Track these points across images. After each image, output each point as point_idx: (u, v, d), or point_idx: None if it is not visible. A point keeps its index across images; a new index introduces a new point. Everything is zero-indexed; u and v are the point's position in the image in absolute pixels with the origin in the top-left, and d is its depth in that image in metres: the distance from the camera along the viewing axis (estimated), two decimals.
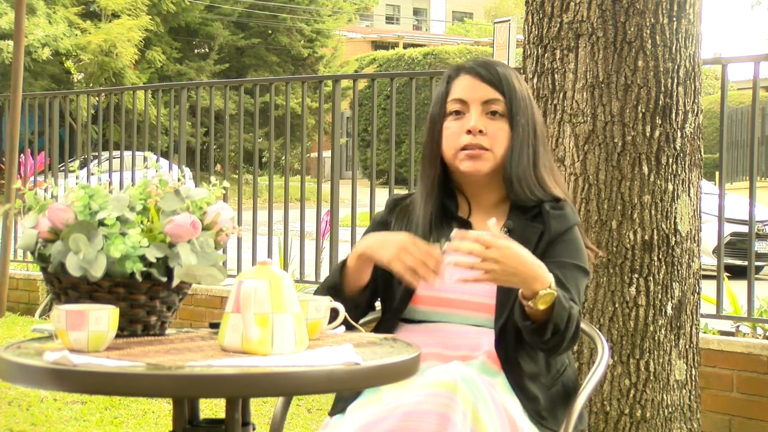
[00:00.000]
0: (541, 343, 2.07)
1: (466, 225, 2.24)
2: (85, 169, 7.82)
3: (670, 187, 3.09)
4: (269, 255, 5.82)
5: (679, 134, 3.10)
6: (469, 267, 1.98)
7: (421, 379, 1.91)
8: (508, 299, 2.14)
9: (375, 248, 2.11)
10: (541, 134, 2.25)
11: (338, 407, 2.15)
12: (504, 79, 2.21)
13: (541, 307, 2.00)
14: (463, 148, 2.19)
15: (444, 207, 2.27)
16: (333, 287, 2.18)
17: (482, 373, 2.07)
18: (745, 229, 7.98)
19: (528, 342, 2.11)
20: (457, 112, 2.22)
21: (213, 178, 2.01)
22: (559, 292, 2.02)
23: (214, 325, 1.93)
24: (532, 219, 2.20)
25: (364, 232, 2.35)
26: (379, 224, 2.32)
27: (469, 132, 2.19)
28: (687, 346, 3.16)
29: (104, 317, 1.70)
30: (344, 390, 2.04)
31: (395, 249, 2.06)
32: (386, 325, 2.21)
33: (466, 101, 2.21)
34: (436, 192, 2.26)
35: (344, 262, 2.20)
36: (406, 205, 2.32)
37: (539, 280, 2.00)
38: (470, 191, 2.27)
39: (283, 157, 6.11)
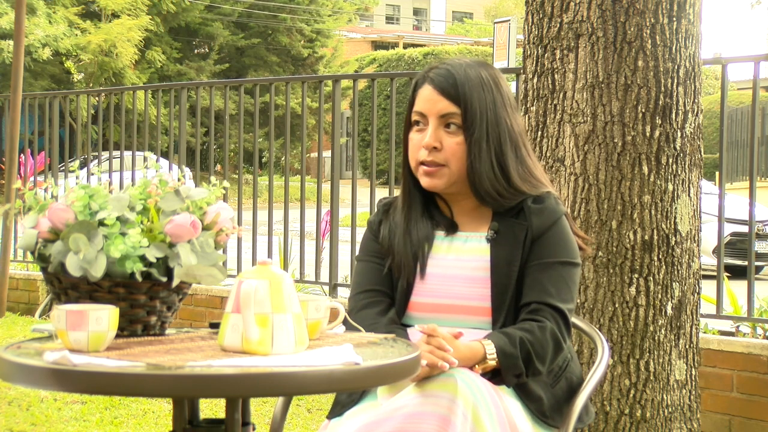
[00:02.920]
0: (519, 379, 2.10)
1: (452, 226, 2.25)
2: (85, 169, 7.82)
3: (670, 187, 3.09)
4: (269, 255, 5.82)
5: (679, 134, 3.10)
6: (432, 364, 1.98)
7: (422, 381, 1.91)
8: (503, 302, 2.14)
9: None
10: (511, 138, 2.20)
11: (336, 410, 2.15)
12: (461, 91, 2.17)
13: (483, 371, 2.04)
14: (422, 163, 2.20)
15: (429, 208, 2.27)
16: None
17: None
18: (745, 229, 7.99)
19: None
20: (418, 123, 2.22)
21: (213, 178, 2.01)
22: (501, 350, 2.04)
23: (214, 325, 1.93)
24: (516, 216, 2.19)
25: (363, 236, 2.35)
26: (376, 229, 2.31)
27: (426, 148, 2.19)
28: (687, 346, 3.16)
29: (104, 317, 1.70)
30: (344, 390, 2.04)
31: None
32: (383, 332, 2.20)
33: (425, 114, 2.20)
34: (412, 196, 2.26)
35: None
36: (394, 207, 2.32)
37: (470, 360, 2.02)
38: (447, 197, 2.27)
39: (283, 157, 6.11)
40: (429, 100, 2.19)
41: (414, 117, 2.23)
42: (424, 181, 2.21)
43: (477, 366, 2.03)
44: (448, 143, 2.18)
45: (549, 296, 2.11)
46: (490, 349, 2.05)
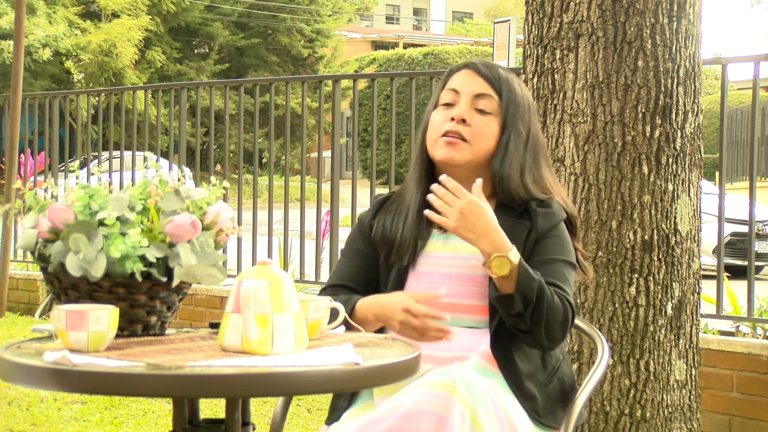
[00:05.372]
0: (515, 320, 2.06)
1: None
2: (85, 169, 7.82)
3: (670, 187, 3.09)
4: (269, 255, 5.82)
5: (679, 134, 3.10)
6: (438, 209, 2.05)
7: (420, 380, 1.91)
8: None
9: (381, 319, 2.12)
10: (536, 146, 2.24)
11: (335, 415, 2.15)
12: (503, 81, 2.22)
13: (496, 272, 2.03)
14: (444, 134, 2.20)
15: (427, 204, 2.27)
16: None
17: (477, 373, 2.07)
18: (745, 229, 7.99)
19: (512, 328, 2.10)
20: (447, 104, 2.23)
21: (213, 178, 2.01)
22: (523, 263, 2.04)
23: (214, 325, 1.93)
24: (519, 216, 2.20)
25: (351, 231, 2.34)
26: (365, 226, 2.30)
27: (453, 120, 2.20)
28: (687, 346, 3.16)
29: (104, 317, 1.70)
30: (344, 390, 2.04)
31: (400, 317, 2.07)
32: (379, 331, 2.20)
33: (458, 92, 2.22)
34: (423, 182, 2.25)
35: (353, 304, 2.17)
36: (390, 203, 2.31)
37: (494, 243, 2.03)
38: None
39: (283, 157, 6.11)
40: (465, 80, 2.22)
41: (444, 97, 2.23)
42: (442, 152, 2.20)
43: (495, 256, 2.01)
44: (476, 122, 2.20)
45: (559, 288, 2.11)
46: (516, 253, 2.04)
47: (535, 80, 3.18)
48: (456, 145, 2.18)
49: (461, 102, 2.21)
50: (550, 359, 2.19)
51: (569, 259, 2.18)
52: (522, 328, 2.08)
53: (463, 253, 2.20)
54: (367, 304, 2.15)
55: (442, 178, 2.07)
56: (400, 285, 2.21)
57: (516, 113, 2.21)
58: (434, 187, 2.07)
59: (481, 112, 2.20)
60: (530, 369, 2.13)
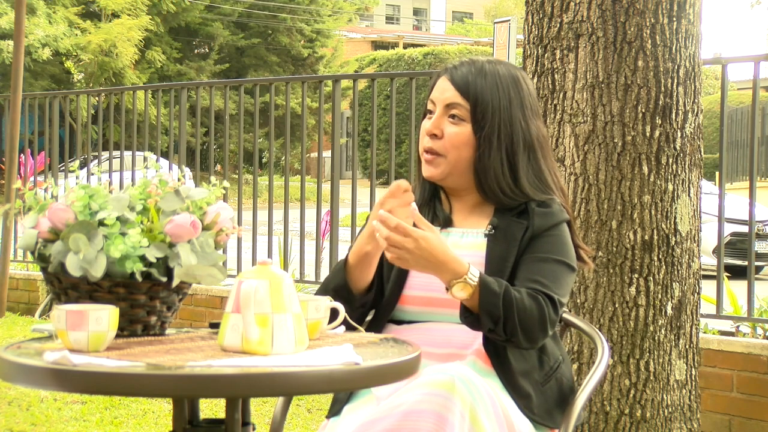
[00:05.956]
0: (491, 334, 2.07)
1: (448, 220, 2.25)
2: (85, 169, 7.82)
3: (670, 187, 3.09)
4: (269, 255, 5.82)
5: (679, 134, 3.10)
6: (385, 250, 2.04)
7: (419, 379, 1.91)
8: None
9: (370, 243, 2.14)
10: (524, 139, 2.21)
11: (335, 409, 2.15)
12: (472, 84, 2.19)
13: (458, 294, 2.02)
14: (424, 152, 2.23)
15: (433, 202, 2.29)
16: (340, 288, 2.18)
17: (475, 373, 2.07)
18: (745, 229, 7.99)
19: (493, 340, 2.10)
20: (430, 112, 2.25)
21: (213, 178, 2.01)
22: (483, 280, 2.03)
23: (214, 325, 1.93)
24: (517, 216, 2.20)
25: (368, 220, 2.34)
26: None
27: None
28: (687, 346, 3.16)
29: (104, 317, 1.70)
30: (344, 390, 2.04)
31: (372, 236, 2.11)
32: (374, 326, 2.21)
33: (434, 102, 2.24)
34: (422, 186, 2.29)
35: (345, 261, 2.20)
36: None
37: (450, 271, 2.02)
38: (448, 191, 2.29)
39: (283, 157, 6.11)
40: (440, 89, 2.24)
41: (428, 106, 2.26)
42: (424, 171, 2.24)
43: (453, 282, 2.01)
44: (447, 132, 2.20)
45: (541, 285, 2.10)
46: (474, 272, 2.03)
47: (535, 80, 3.18)
48: (433, 162, 2.22)
49: (435, 113, 2.23)
50: (548, 359, 2.18)
51: (564, 260, 2.16)
52: (499, 341, 2.09)
53: (462, 250, 2.20)
54: (353, 249, 2.18)
55: (381, 215, 2.04)
56: (400, 279, 2.21)
57: (486, 116, 2.18)
58: (376, 224, 2.04)
59: (454, 118, 2.21)
60: (525, 367, 2.13)
